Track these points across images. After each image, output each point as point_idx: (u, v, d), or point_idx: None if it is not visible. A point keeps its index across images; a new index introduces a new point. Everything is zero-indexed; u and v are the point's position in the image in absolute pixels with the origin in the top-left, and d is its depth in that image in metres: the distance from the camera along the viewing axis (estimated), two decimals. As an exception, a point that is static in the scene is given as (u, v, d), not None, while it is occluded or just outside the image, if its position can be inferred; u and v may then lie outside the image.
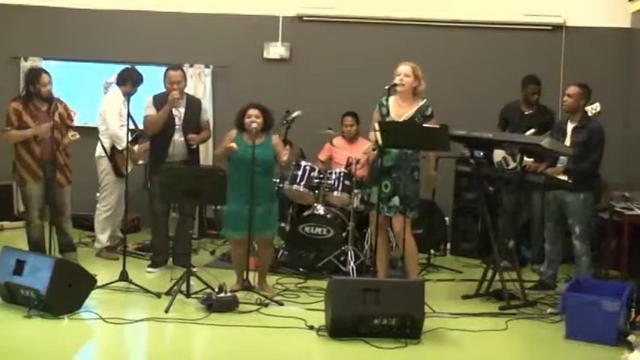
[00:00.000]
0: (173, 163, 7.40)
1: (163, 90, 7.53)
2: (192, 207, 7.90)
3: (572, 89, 7.11)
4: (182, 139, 7.49)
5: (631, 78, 8.97)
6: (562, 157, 6.97)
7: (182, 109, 7.52)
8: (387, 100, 6.85)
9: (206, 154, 9.56)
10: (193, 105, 7.67)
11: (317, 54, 9.61)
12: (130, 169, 7.40)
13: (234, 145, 6.69)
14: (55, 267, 5.96)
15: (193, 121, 7.58)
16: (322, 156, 8.52)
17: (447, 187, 8.83)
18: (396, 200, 6.77)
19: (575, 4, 9.25)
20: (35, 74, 7.39)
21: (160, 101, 7.44)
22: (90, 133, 8.16)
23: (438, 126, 6.44)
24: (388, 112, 6.84)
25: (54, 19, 9.73)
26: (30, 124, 7.21)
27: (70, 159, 7.57)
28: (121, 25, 9.72)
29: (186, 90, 7.80)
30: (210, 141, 9.47)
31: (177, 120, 7.47)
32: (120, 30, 9.71)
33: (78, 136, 7.37)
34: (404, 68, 6.81)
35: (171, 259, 7.73)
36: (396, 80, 6.77)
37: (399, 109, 6.84)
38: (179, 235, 7.74)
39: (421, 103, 6.81)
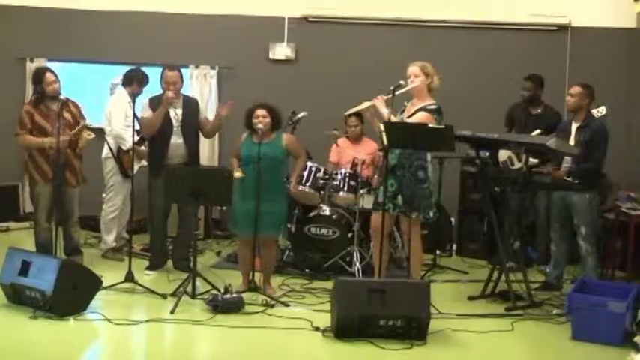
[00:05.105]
0: (171, 165, 7.26)
1: (160, 91, 7.36)
2: (193, 208, 7.50)
3: (575, 89, 7.10)
4: (180, 141, 7.34)
5: (636, 78, 8.96)
6: (566, 158, 6.96)
7: (179, 111, 7.39)
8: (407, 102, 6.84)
9: (211, 154, 9.60)
10: (190, 106, 7.50)
11: (322, 54, 9.61)
12: (136, 170, 7.40)
13: (238, 174, 6.68)
14: (60, 268, 5.96)
15: (191, 123, 7.44)
16: (333, 158, 8.49)
17: (453, 187, 8.82)
18: (399, 200, 6.74)
19: (580, 5, 9.24)
20: (40, 74, 7.42)
21: (156, 103, 7.30)
22: (96, 134, 8.13)
23: (442, 126, 6.43)
24: (403, 111, 6.84)
25: (59, 20, 9.75)
26: (43, 124, 7.23)
27: (82, 162, 7.55)
28: (126, 26, 9.74)
29: (192, 92, 7.76)
30: (216, 141, 9.51)
31: (174, 122, 7.35)
32: (125, 31, 9.73)
33: (93, 136, 7.36)
34: (412, 69, 6.76)
35: (170, 262, 7.64)
36: (408, 84, 6.70)
37: (411, 108, 6.81)
38: (179, 239, 7.60)
39: (428, 101, 6.74)
